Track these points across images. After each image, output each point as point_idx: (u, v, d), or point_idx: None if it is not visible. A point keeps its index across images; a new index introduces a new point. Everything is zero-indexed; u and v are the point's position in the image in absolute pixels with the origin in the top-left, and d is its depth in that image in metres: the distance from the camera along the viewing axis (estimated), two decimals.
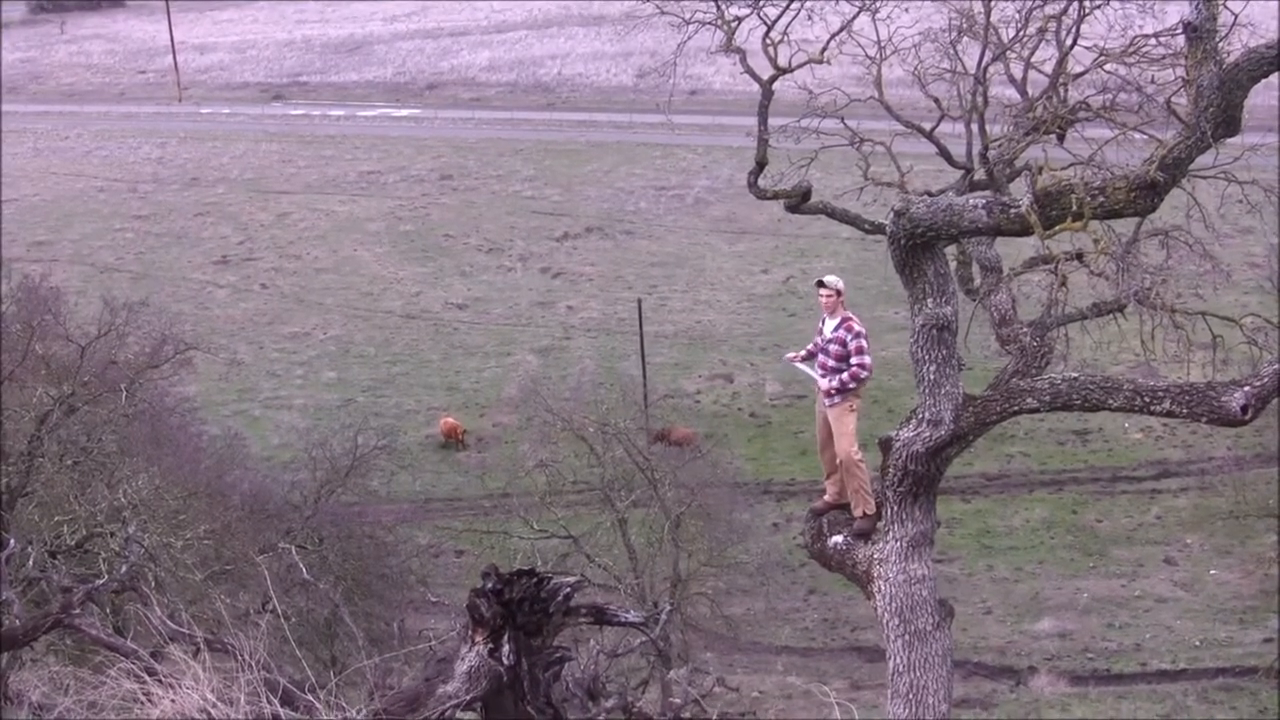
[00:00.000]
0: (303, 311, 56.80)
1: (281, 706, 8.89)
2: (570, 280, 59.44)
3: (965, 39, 23.79)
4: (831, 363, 12.42)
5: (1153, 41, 17.96)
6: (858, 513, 12.50)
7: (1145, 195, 10.77)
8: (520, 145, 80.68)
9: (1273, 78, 11.00)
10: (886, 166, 23.44)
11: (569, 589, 8.86)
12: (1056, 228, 10.81)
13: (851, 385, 12.35)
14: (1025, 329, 15.77)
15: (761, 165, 23.16)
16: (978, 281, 20.87)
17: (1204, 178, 17.18)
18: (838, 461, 12.57)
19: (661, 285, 57.72)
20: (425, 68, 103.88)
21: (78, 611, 13.84)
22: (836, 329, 12.44)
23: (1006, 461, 41.47)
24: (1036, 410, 11.60)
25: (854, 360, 12.28)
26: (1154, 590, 35.07)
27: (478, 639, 8.68)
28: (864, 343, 12.35)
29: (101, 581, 15.52)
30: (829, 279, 12.68)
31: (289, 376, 50.59)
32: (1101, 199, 10.75)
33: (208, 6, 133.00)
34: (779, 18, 22.49)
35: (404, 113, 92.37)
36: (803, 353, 12.91)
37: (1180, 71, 13.45)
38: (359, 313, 56.34)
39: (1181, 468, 40.66)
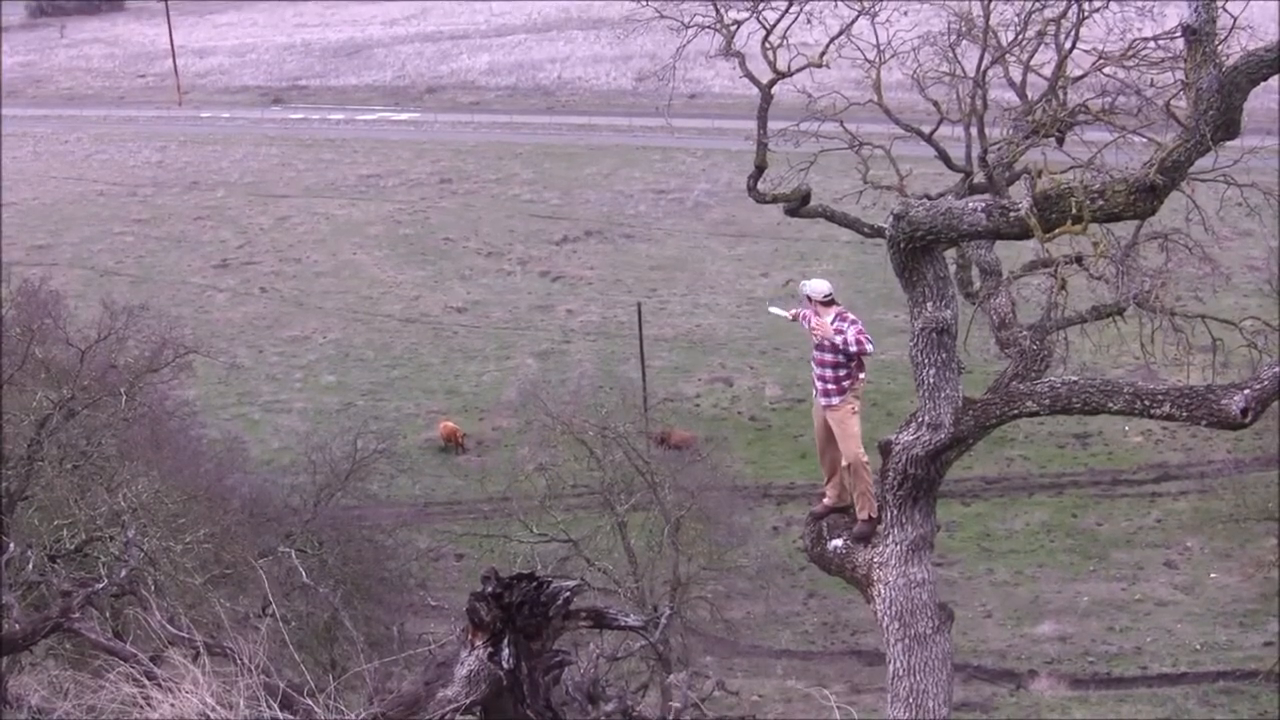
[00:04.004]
0: (302, 315, 56.80)
1: (281, 710, 8.89)
2: (570, 284, 59.46)
3: (964, 42, 23.77)
4: (829, 357, 12.39)
5: (1152, 44, 17.91)
6: (863, 515, 12.45)
7: (1145, 198, 10.74)
8: (519, 149, 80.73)
9: (1272, 81, 10.98)
10: (886, 170, 23.42)
11: (568, 593, 8.84)
12: (1056, 231, 10.77)
13: (827, 342, 12.23)
14: (1025, 332, 15.70)
15: (761, 169, 23.12)
16: (977, 285, 20.83)
17: (1203, 181, 17.11)
18: (844, 464, 12.50)
19: (661, 289, 57.73)
20: (425, 71, 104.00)
21: (77, 615, 13.79)
22: (834, 321, 12.45)
23: (1006, 465, 41.46)
24: (1036, 414, 11.58)
25: (844, 336, 12.17)
26: (1154, 593, 35.05)
27: (477, 643, 8.66)
28: (848, 327, 12.24)
29: (101, 585, 15.44)
30: (822, 286, 12.68)
31: (288, 380, 50.59)
32: (1101, 202, 10.72)
33: (207, 10, 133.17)
34: (778, 21, 22.47)
35: (403, 116, 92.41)
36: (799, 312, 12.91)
37: (1179, 74, 13.42)
38: (358, 316, 56.36)
39: (1181, 471, 40.65)
